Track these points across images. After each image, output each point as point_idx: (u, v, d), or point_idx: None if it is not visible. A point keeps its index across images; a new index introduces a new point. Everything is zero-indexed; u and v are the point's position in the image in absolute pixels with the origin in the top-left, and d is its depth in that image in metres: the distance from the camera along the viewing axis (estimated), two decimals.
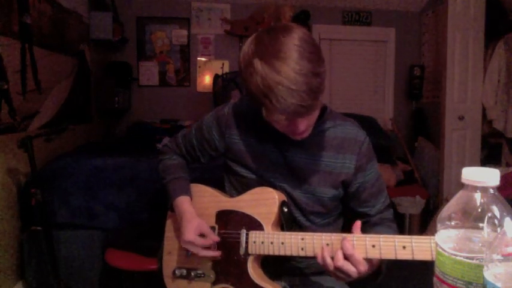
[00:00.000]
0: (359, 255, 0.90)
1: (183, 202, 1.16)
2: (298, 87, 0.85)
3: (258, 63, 0.88)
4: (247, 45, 0.93)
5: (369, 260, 0.92)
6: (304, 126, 0.96)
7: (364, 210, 1.14)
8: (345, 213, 1.23)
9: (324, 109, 1.11)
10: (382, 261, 0.97)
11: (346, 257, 0.90)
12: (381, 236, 0.92)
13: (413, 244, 0.88)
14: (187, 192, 1.19)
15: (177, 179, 1.21)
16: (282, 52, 0.87)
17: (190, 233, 1.08)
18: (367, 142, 1.12)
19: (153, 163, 1.43)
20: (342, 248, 0.91)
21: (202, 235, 1.09)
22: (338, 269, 0.91)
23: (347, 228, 1.11)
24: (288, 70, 0.85)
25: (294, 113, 0.89)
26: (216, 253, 1.10)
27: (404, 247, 0.88)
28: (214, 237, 1.09)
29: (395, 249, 0.89)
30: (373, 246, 0.91)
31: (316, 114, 0.98)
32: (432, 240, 0.85)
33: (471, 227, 0.53)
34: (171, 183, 1.21)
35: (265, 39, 0.90)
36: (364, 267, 0.91)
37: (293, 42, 0.88)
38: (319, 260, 0.94)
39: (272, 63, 0.86)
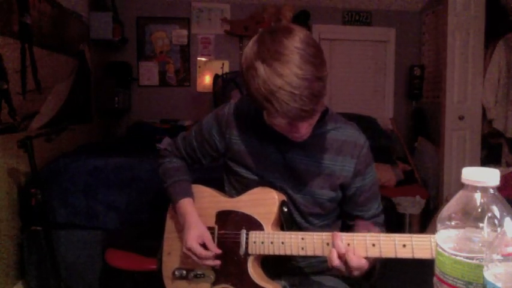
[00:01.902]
0: (360, 256, 0.91)
1: (185, 204, 1.16)
2: (301, 92, 0.84)
3: (260, 66, 0.87)
4: (249, 46, 0.92)
5: (366, 258, 0.93)
6: (305, 129, 0.96)
7: (359, 214, 1.15)
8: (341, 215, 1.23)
9: (325, 111, 1.11)
10: (376, 260, 0.98)
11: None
12: (381, 234, 0.92)
13: (413, 242, 0.88)
14: (189, 194, 1.19)
15: (178, 181, 1.21)
16: (285, 55, 0.85)
17: (192, 241, 1.08)
18: (366, 146, 1.13)
19: (153, 163, 1.42)
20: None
21: (203, 245, 1.09)
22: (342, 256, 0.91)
23: (346, 230, 1.13)
24: (290, 74, 0.84)
25: (295, 117, 0.88)
26: (215, 263, 1.09)
27: (404, 245, 0.89)
28: (215, 250, 1.09)
29: (396, 248, 0.90)
30: (373, 245, 0.91)
31: (317, 117, 0.97)
32: (432, 239, 0.86)
33: (471, 227, 0.53)
34: (172, 187, 1.21)
35: (267, 41, 0.89)
36: (365, 266, 0.92)
37: (295, 44, 0.87)
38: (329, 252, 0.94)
39: (274, 67, 0.85)
